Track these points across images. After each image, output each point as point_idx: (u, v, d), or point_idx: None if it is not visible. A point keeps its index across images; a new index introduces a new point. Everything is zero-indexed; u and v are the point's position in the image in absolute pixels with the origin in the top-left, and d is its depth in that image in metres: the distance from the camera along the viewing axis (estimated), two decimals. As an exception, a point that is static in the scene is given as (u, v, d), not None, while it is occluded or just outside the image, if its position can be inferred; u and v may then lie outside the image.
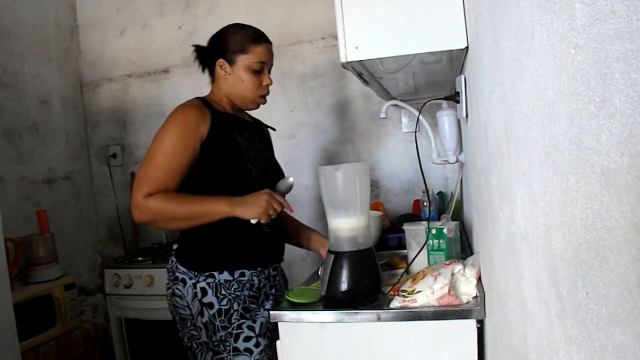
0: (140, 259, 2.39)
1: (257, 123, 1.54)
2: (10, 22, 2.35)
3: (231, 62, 1.34)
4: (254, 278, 1.34)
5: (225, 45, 1.34)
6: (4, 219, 1.58)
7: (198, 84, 2.71)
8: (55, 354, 1.96)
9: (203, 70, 1.43)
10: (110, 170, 2.79)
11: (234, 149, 1.32)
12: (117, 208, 2.78)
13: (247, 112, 1.49)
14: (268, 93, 1.39)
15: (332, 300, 1.13)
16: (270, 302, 1.38)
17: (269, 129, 1.57)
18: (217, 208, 1.24)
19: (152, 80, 2.74)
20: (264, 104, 1.41)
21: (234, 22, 1.42)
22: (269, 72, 1.38)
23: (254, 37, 1.34)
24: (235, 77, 1.34)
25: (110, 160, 2.78)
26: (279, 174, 1.47)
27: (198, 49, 1.41)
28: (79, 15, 2.83)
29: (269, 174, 1.40)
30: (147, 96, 2.74)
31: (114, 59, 2.79)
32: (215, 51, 1.36)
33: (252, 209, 1.23)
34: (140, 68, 2.75)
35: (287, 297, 1.21)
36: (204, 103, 1.34)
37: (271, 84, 1.38)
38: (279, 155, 1.61)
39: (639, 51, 0.25)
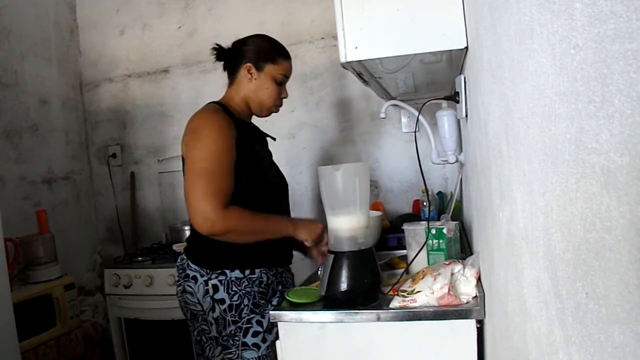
0: (139, 259, 2.39)
1: (260, 132, 1.58)
2: (10, 22, 2.35)
3: (259, 69, 1.40)
4: (263, 275, 1.37)
5: (256, 52, 1.41)
6: (4, 219, 1.58)
7: (198, 84, 2.72)
8: (55, 354, 1.96)
9: (224, 69, 1.47)
10: (110, 170, 2.79)
11: (254, 156, 1.38)
12: (116, 208, 2.78)
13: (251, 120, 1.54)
14: (282, 105, 1.48)
15: (332, 300, 1.13)
16: (277, 298, 1.41)
17: (270, 138, 1.60)
18: (284, 228, 1.34)
19: (151, 80, 2.74)
20: (276, 112, 1.49)
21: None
22: (285, 87, 1.47)
23: (283, 51, 1.44)
24: (260, 83, 1.41)
25: (110, 160, 2.78)
26: (283, 180, 1.52)
27: (219, 48, 1.45)
28: (79, 15, 2.83)
29: (277, 179, 1.48)
30: (147, 96, 2.74)
31: (114, 59, 2.79)
32: (243, 55, 1.41)
33: (309, 234, 1.35)
34: (140, 68, 2.75)
35: (287, 297, 1.21)
36: (223, 109, 1.37)
37: (287, 97, 1.47)
38: (280, 155, 1.62)
39: (638, 51, 0.25)
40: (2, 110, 2.27)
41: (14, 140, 2.33)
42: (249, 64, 1.39)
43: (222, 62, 1.46)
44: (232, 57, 1.43)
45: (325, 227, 1.33)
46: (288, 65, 1.43)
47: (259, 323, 1.33)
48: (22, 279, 2.07)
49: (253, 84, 1.40)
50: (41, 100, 2.52)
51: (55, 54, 2.64)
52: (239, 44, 1.44)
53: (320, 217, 2.46)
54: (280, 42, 1.45)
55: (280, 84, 1.43)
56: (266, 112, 1.46)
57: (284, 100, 1.47)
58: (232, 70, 1.44)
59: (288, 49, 1.46)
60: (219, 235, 1.25)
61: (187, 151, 1.30)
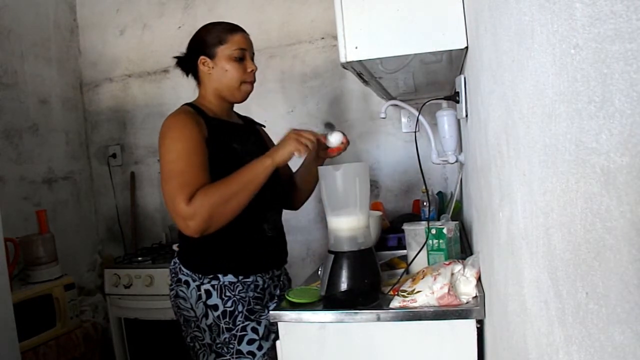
0: (140, 259, 2.39)
1: (249, 123, 1.53)
2: (10, 22, 2.35)
3: (212, 56, 1.35)
4: (258, 279, 1.34)
5: (203, 42, 1.36)
6: (4, 219, 1.58)
7: (198, 84, 2.72)
8: (55, 354, 1.96)
9: (187, 75, 1.44)
10: (110, 170, 2.79)
11: (230, 155, 1.32)
12: (116, 208, 2.78)
13: (237, 112, 1.49)
14: (254, 80, 1.39)
15: (332, 301, 1.13)
16: (275, 302, 1.38)
17: (260, 126, 1.57)
18: (262, 166, 1.22)
19: (151, 80, 2.74)
20: (251, 90, 1.40)
21: (234, 22, 1.42)
22: (252, 60, 1.38)
23: (229, 27, 1.37)
24: (219, 69, 1.35)
25: (110, 160, 2.78)
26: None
27: (178, 59, 1.43)
28: (79, 16, 2.83)
29: None
30: (147, 96, 2.74)
31: (114, 59, 2.79)
32: (194, 52, 1.38)
33: (288, 149, 1.22)
34: (140, 68, 2.75)
35: (287, 297, 1.21)
36: (195, 110, 1.33)
37: (256, 69, 1.38)
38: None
39: (639, 51, 0.25)
40: (2, 110, 2.27)
41: (14, 140, 2.33)
42: (202, 57, 1.35)
43: (190, 67, 1.42)
44: (189, 58, 1.40)
45: (293, 128, 1.26)
46: (239, 38, 1.35)
47: (254, 330, 1.30)
48: (22, 279, 2.07)
49: (213, 74, 1.35)
50: (41, 100, 2.52)
51: (55, 54, 2.64)
52: (189, 44, 1.41)
53: (321, 218, 2.47)
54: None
55: (241, 59, 1.35)
56: (240, 95, 1.37)
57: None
58: (194, 72, 1.41)
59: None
60: (209, 228, 1.19)
61: (160, 157, 1.27)
